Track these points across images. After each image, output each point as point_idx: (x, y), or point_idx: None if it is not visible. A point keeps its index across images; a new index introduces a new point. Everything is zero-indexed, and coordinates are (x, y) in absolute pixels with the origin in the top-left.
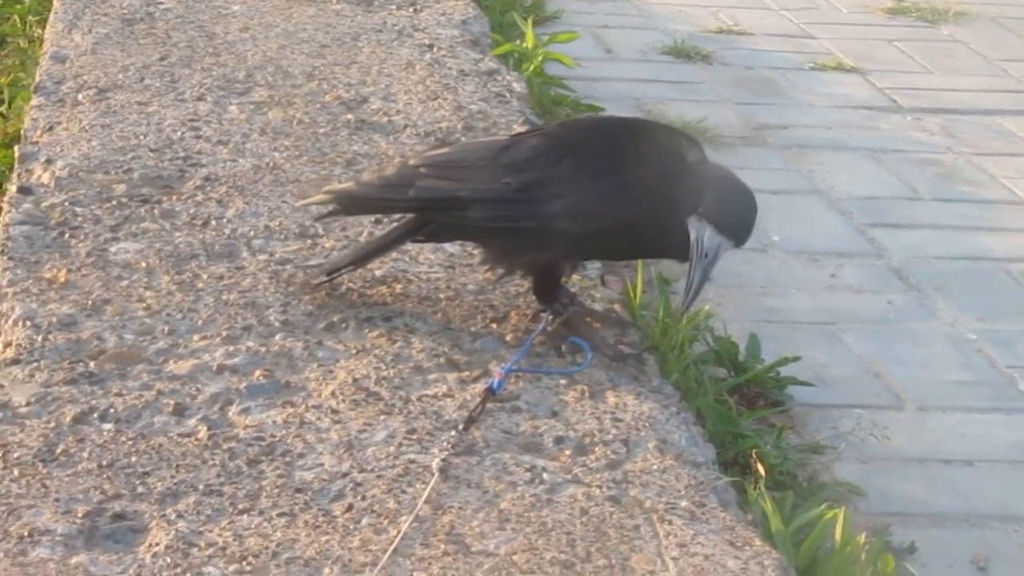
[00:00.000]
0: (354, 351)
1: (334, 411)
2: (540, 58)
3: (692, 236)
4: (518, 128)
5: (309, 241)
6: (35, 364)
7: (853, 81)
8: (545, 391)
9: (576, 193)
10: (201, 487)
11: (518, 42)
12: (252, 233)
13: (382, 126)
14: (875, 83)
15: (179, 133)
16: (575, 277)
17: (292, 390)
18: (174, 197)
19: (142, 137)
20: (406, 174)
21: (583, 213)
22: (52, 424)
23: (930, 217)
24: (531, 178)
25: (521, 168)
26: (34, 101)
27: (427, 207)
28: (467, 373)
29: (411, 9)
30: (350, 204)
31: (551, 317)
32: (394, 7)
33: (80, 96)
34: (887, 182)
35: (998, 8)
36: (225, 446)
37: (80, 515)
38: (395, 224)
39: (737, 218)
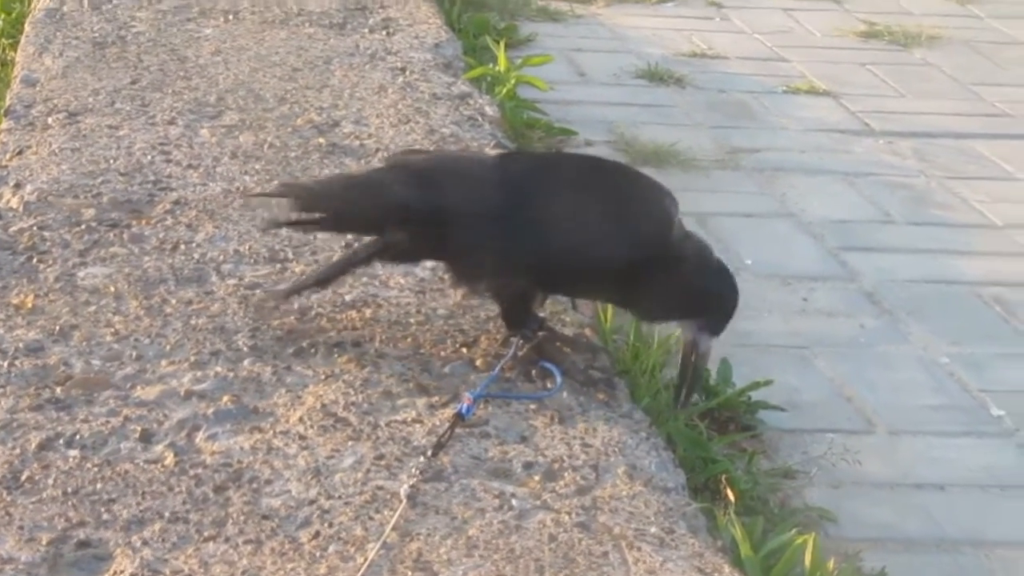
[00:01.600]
0: (323, 376)
1: (302, 437)
2: (513, 81)
3: (688, 338)
4: (490, 152)
5: (279, 265)
6: (1, 390)
7: (826, 104)
8: (515, 416)
9: (571, 232)
10: (167, 514)
11: (491, 65)
12: (221, 257)
13: (354, 150)
14: (848, 106)
15: (149, 157)
16: (547, 303)
17: (260, 416)
18: (143, 221)
19: (112, 161)
20: (376, 179)
21: (575, 252)
22: (17, 451)
23: (902, 241)
24: (526, 205)
25: (516, 192)
26: (4, 125)
27: (401, 218)
28: (436, 398)
29: (384, 32)
30: (309, 200)
31: (521, 342)
32: (367, 30)
33: (50, 119)
34: (860, 205)
35: (971, 32)
36: (192, 472)
37: (44, 543)
38: (360, 244)
39: (728, 321)
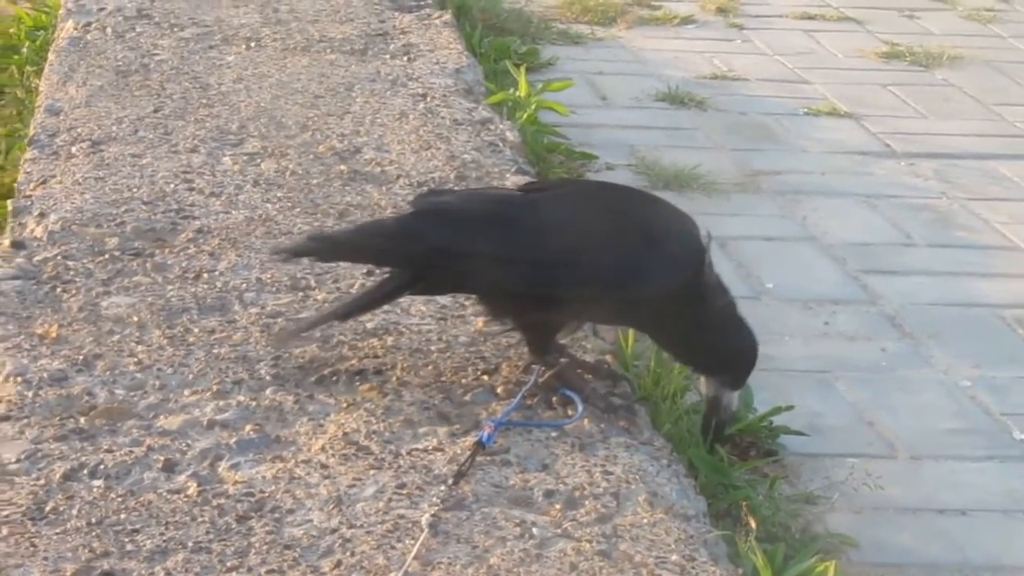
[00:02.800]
0: (345, 405)
1: (324, 466)
2: (533, 106)
3: (711, 395)
4: (512, 177)
5: (301, 294)
6: (25, 420)
7: (847, 126)
8: (535, 444)
9: (607, 265)
10: (190, 544)
11: (512, 90)
12: (244, 286)
13: (375, 176)
14: (869, 128)
15: (172, 185)
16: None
17: (282, 444)
18: (166, 250)
19: (135, 190)
20: (411, 225)
21: (612, 285)
22: (42, 481)
23: (924, 263)
24: (562, 245)
25: (550, 233)
26: (28, 154)
27: (441, 262)
28: (457, 426)
29: (405, 59)
30: (338, 252)
31: (542, 369)
32: (388, 56)
33: (74, 148)
34: (881, 228)
35: (993, 52)
36: (215, 502)
37: (69, 574)
38: (386, 276)
39: (748, 375)
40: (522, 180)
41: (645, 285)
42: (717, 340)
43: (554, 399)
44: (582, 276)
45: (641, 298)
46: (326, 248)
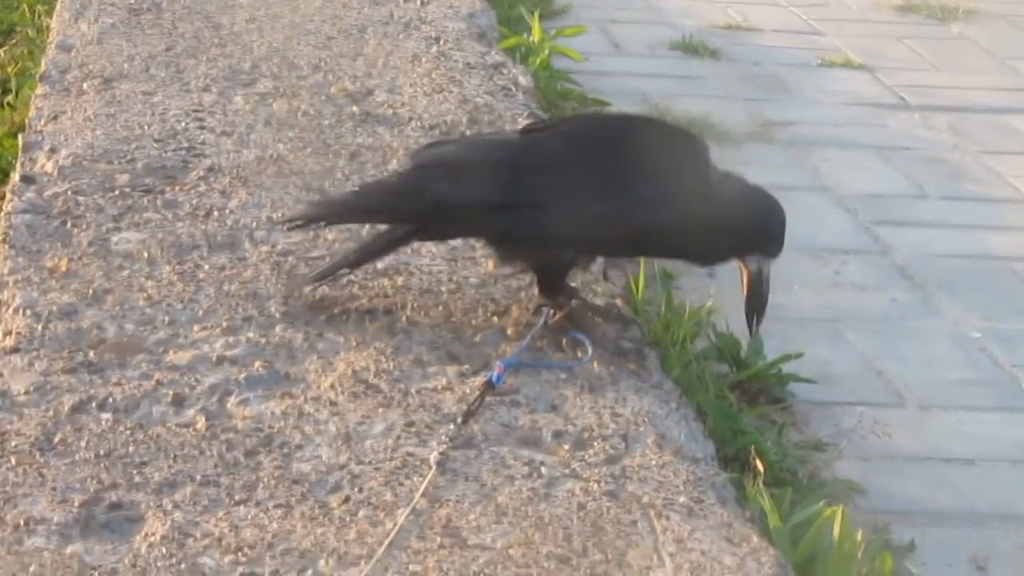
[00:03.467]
0: (354, 343)
1: (333, 403)
2: (547, 52)
3: (754, 269)
4: (523, 121)
5: (311, 233)
6: (34, 353)
7: (861, 78)
8: (545, 385)
9: (609, 200)
10: (198, 478)
11: (525, 36)
12: (254, 224)
13: (387, 118)
14: (883, 80)
15: (183, 124)
16: (579, 272)
17: (291, 381)
18: (177, 187)
19: (146, 127)
20: (412, 178)
21: (615, 219)
22: (50, 413)
23: (936, 215)
24: (561, 184)
25: (548, 173)
26: (39, 90)
27: (442, 215)
28: (467, 366)
29: (418, 2)
30: (344, 215)
31: (552, 311)
32: (401, 0)
33: (85, 85)
34: (893, 180)
35: (1008, 6)
36: (223, 437)
37: (76, 504)
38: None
39: (783, 240)
40: None
41: (650, 220)
42: (742, 219)
43: (564, 341)
44: (582, 218)
45: (653, 230)
46: (333, 212)
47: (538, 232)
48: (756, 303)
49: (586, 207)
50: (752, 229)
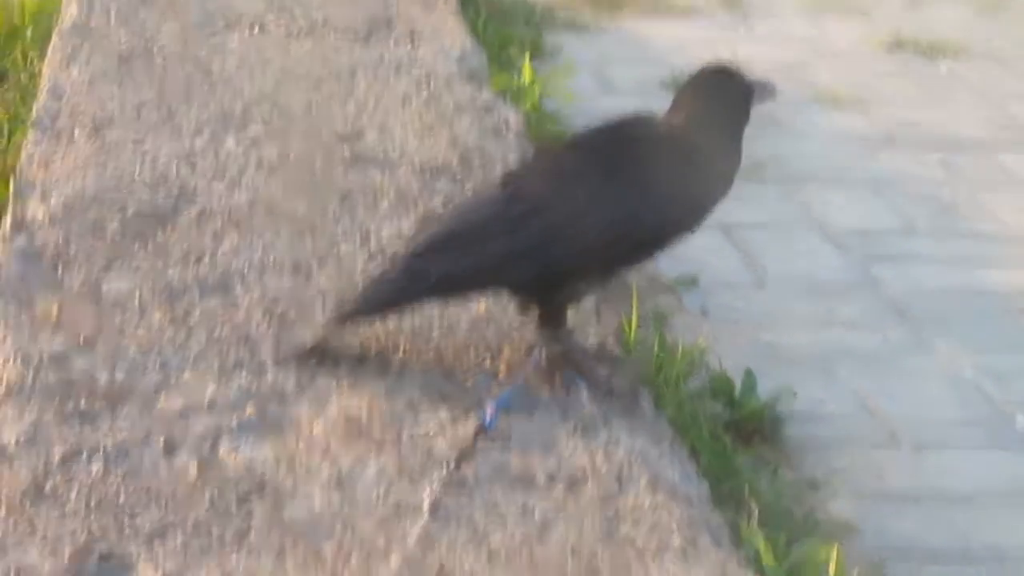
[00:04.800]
0: (346, 387)
1: (325, 447)
2: (537, 93)
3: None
4: (514, 162)
5: (303, 276)
6: (25, 401)
7: (852, 115)
8: (537, 426)
9: (607, 216)
10: (190, 526)
11: (516, 77)
12: (246, 268)
13: (378, 160)
14: (874, 117)
15: (174, 168)
16: (569, 312)
17: (283, 426)
18: (168, 232)
19: (137, 172)
20: (414, 265)
21: (620, 233)
22: (41, 462)
23: (928, 252)
24: (554, 220)
25: (538, 212)
26: (30, 136)
27: (453, 289)
28: (459, 409)
29: (409, 44)
30: (361, 315)
31: (544, 351)
32: (392, 42)
33: (76, 131)
34: (885, 216)
35: (997, 45)
36: (215, 484)
37: (67, 554)
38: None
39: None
40: None
41: (646, 222)
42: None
43: (557, 382)
44: (587, 239)
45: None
46: (349, 319)
47: (550, 265)
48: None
49: (588, 232)
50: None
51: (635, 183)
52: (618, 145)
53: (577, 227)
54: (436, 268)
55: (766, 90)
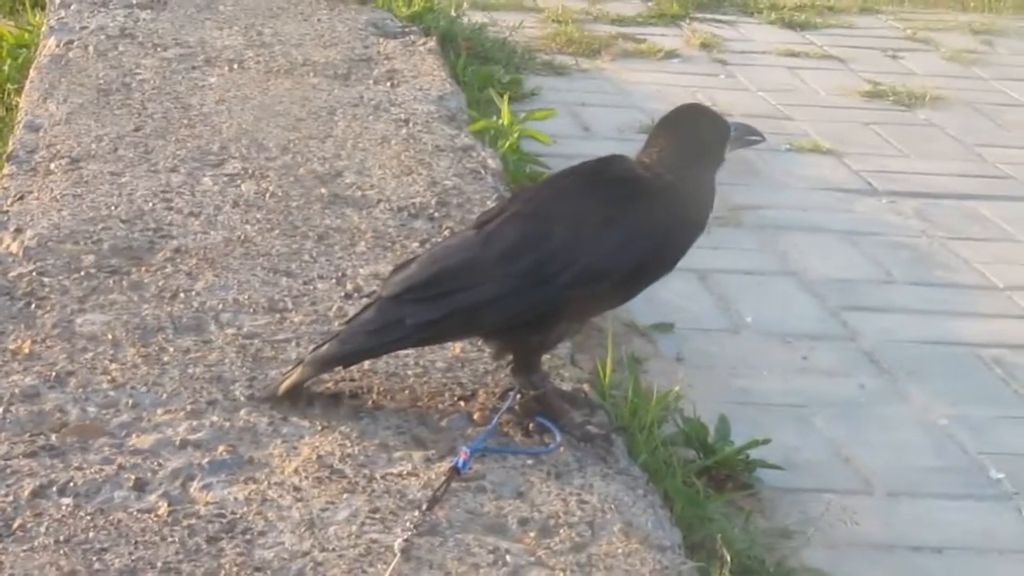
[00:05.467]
0: (319, 427)
1: (297, 488)
2: (516, 135)
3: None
4: (492, 204)
5: (278, 315)
6: None
7: (829, 163)
8: (511, 471)
9: (583, 257)
10: (159, 565)
11: (495, 119)
12: (221, 306)
13: (355, 200)
14: (851, 165)
15: (151, 204)
16: (544, 356)
17: (255, 466)
18: (143, 269)
19: (113, 208)
20: (389, 311)
21: (597, 273)
22: (10, 498)
23: (904, 301)
24: (530, 262)
25: (515, 256)
26: (6, 170)
27: (431, 333)
28: (433, 451)
29: (388, 84)
30: (335, 363)
31: (518, 396)
32: (371, 82)
33: (52, 165)
34: (861, 265)
35: (974, 94)
36: (185, 523)
37: None
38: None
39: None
40: None
41: (626, 259)
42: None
43: (530, 426)
44: (565, 280)
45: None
46: (326, 365)
47: (525, 311)
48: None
49: (565, 274)
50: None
51: (609, 224)
52: (592, 187)
53: (551, 270)
54: (412, 316)
55: (749, 133)
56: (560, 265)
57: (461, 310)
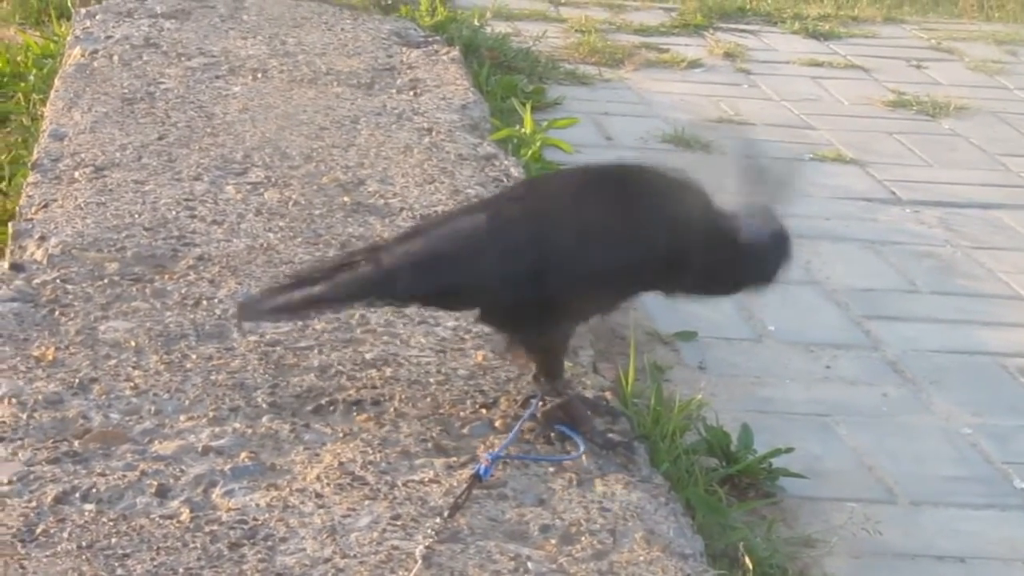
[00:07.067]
0: (341, 434)
1: (318, 495)
2: (539, 143)
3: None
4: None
5: (300, 323)
6: (19, 442)
7: (852, 173)
8: (533, 478)
9: (581, 261)
10: (181, 570)
11: (517, 127)
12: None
13: (378, 208)
14: (874, 175)
15: (174, 212)
16: (567, 364)
17: (277, 473)
18: (166, 276)
19: (137, 216)
20: (385, 274)
21: (592, 277)
22: (33, 503)
23: (927, 310)
24: (530, 260)
25: (517, 253)
26: (31, 178)
27: (421, 303)
28: (455, 458)
29: (411, 93)
30: (319, 305)
31: (540, 403)
32: (394, 91)
33: (77, 174)
34: (885, 274)
35: (999, 103)
36: (207, 529)
37: None
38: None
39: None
40: None
41: (633, 258)
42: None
43: (552, 434)
44: (572, 274)
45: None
46: (307, 305)
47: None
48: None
49: (573, 268)
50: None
51: (609, 232)
52: (603, 192)
53: (548, 270)
54: (405, 287)
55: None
56: (557, 266)
57: (453, 292)
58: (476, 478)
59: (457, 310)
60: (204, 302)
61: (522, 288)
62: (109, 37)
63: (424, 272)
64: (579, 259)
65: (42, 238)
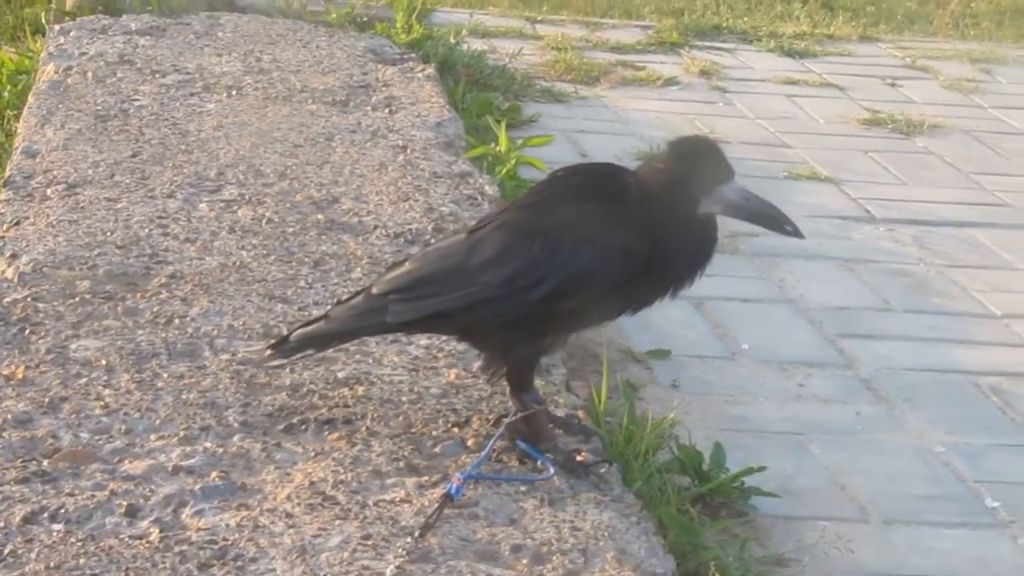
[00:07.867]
0: (312, 454)
1: (289, 515)
2: (513, 161)
3: (725, 204)
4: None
5: (273, 341)
6: None
7: (827, 191)
8: (504, 498)
9: (558, 272)
10: None
11: (492, 145)
12: (215, 332)
13: (352, 226)
14: (849, 193)
15: (147, 230)
16: (539, 382)
17: (248, 492)
18: (138, 294)
19: (109, 233)
20: (375, 304)
21: (576, 287)
22: (1, 524)
23: (901, 328)
24: (508, 273)
25: (495, 266)
26: (2, 195)
27: (410, 329)
28: (426, 478)
29: (386, 110)
30: (323, 343)
31: (510, 420)
32: (369, 108)
33: (49, 191)
34: (858, 292)
35: (972, 121)
36: (177, 549)
37: None
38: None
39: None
40: None
41: (606, 276)
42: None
43: (523, 454)
44: (542, 292)
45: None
46: (309, 342)
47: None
48: (759, 219)
49: (544, 285)
50: (697, 177)
51: (586, 243)
52: (581, 202)
53: (527, 283)
54: (394, 315)
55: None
56: (535, 279)
57: (439, 313)
58: (447, 497)
59: (447, 333)
60: (176, 320)
61: (498, 303)
62: (83, 54)
63: (409, 298)
64: (552, 276)
65: (13, 256)
